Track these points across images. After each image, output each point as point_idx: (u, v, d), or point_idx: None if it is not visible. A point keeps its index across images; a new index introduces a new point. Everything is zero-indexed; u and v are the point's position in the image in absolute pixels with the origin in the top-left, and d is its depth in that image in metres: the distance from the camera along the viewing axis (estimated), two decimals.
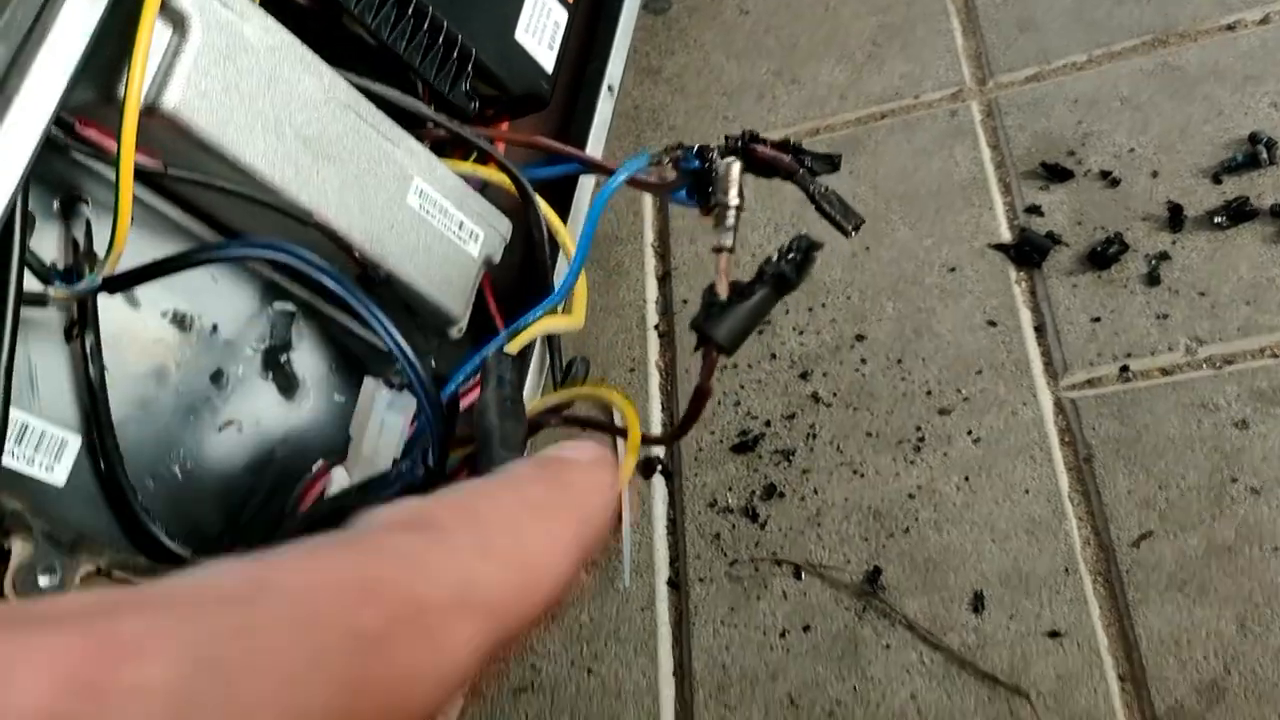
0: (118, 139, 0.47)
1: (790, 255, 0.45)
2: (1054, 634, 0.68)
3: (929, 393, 0.79)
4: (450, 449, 0.51)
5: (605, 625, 0.77)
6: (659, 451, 0.81)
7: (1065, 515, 0.72)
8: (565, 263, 0.77)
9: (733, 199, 0.50)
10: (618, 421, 0.54)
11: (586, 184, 0.80)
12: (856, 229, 0.55)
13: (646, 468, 0.81)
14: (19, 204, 0.44)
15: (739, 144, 0.56)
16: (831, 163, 0.60)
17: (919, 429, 0.78)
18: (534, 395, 0.72)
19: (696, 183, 0.58)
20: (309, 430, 0.66)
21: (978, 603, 0.70)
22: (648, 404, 0.85)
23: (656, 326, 0.89)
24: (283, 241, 0.47)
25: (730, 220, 0.50)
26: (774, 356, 0.84)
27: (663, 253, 0.93)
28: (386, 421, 0.54)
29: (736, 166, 0.53)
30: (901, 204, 0.89)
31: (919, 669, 0.69)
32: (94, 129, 0.50)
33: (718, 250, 0.48)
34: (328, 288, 0.46)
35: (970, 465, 0.75)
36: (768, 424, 0.81)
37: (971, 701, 0.67)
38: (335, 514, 0.55)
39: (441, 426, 0.49)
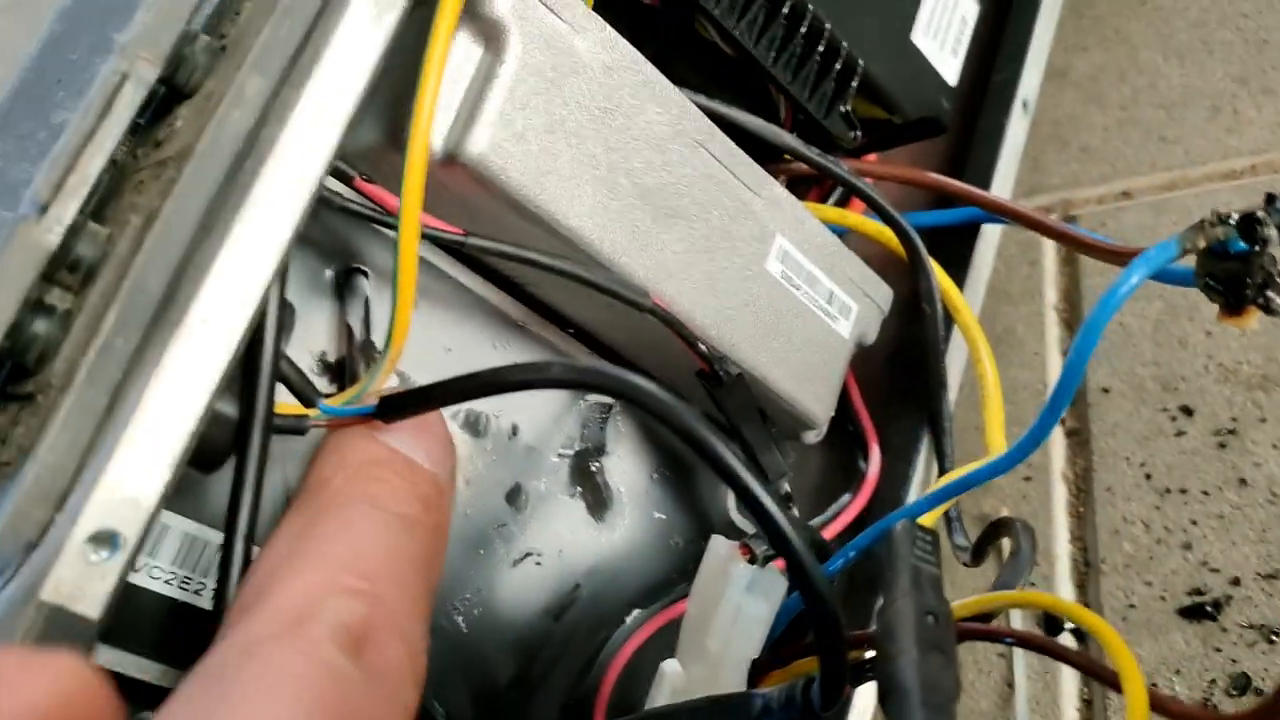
0: (400, 202, 0.33)
1: None
2: None
3: None
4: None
5: None
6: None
7: None
8: (957, 351, 0.58)
9: None
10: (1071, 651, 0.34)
11: (990, 237, 0.60)
12: None
13: (1050, 625, 0.59)
14: (272, 304, 0.31)
15: None
16: None
17: None
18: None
19: (1228, 279, 0.36)
20: (623, 559, 0.50)
21: None
22: (1050, 526, 0.63)
23: (1063, 421, 0.67)
24: (615, 368, 0.31)
25: None
26: (1244, 482, 0.59)
27: (1070, 319, 0.70)
28: (744, 609, 0.37)
29: None
30: None
31: None
32: (375, 185, 0.37)
33: None
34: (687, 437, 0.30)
35: None
36: (1235, 582, 0.57)
37: None
38: None
39: (839, 648, 0.32)
